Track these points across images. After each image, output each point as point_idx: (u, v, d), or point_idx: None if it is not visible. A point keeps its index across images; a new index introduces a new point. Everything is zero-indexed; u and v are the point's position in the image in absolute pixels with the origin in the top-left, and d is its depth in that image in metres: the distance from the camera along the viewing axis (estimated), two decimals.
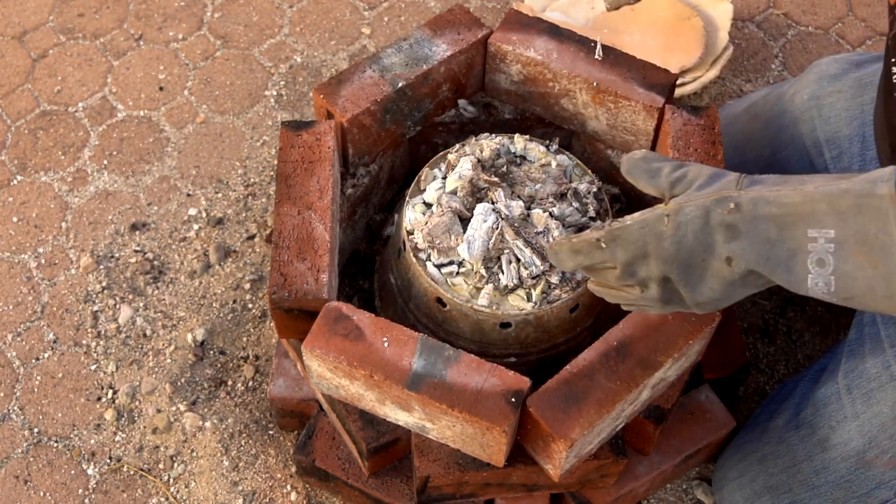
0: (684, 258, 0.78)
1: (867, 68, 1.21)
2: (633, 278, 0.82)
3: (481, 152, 1.08)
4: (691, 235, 0.77)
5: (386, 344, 0.93)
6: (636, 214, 0.81)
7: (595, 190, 1.08)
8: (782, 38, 1.79)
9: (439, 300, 1.02)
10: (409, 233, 1.04)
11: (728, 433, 1.20)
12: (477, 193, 1.04)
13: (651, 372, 0.93)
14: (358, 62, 1.14)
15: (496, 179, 1.05)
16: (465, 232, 1.02)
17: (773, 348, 1.41)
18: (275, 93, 1.69)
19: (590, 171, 1.11)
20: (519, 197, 1.05)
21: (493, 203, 1.03)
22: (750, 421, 1.22)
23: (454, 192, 1.05)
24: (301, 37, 1.77)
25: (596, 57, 1.14)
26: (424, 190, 1.08)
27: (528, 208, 1.04)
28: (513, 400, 0.90)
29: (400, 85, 1.11)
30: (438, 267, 1.02)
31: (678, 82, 1.58)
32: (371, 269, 1.24)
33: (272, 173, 1.58)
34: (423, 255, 1.03)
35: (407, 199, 1.07)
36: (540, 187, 1.06)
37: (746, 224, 0.75)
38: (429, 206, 1.06)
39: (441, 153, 1.11)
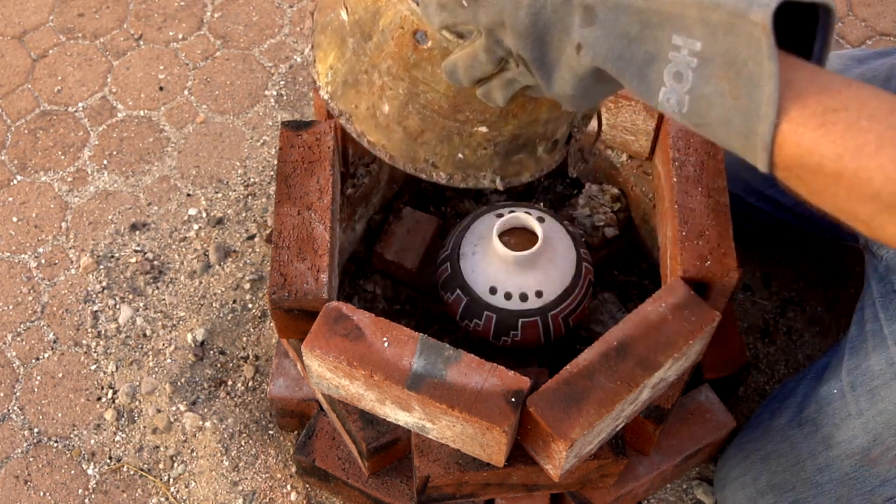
0: (539, 33, 0.69)
1: (870, 63, 1.21)
2: (502, 48, 0.73)
3: None
4: (550, 8, 0.67)
5: (386, 344, 0.93)
6: None
7: None
8: None
9: (418, 34, 0.83)
10: None
11: (728, 433, 1.20)
12: None
13: (651, 372, 0.93)
14: None
15: None
16: None
17: (773, 348, 1.41)
18: (275, 93, 1.69)
19: None
20: None
21: None
22: (752, 420, 1.22)
23: None
24: (301, 37, 1.77)
25: None
26: None
27: None
28: (513, 400, 0.90)
29: None
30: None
31: None
32: (371, 269, 1.24)
33: (272, 173, 1.58)
34: None
35: None
36: None
37: (606, 10, 0.65)
38: None
39: None
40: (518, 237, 1.09)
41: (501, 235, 1.09)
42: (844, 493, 1.06)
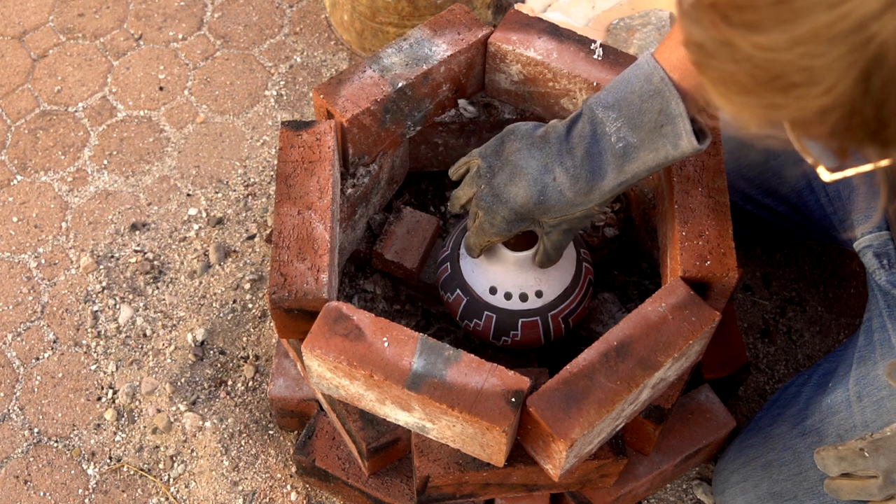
0: None
1: None
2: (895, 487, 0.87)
3: None
4: None
5: (386, 344, 0.93)
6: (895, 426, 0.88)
7: None
8: None
9: None
10: None
11: (728, 433, 1.20)
12: None
13: (651, 372, 0.93)
14: (358, 62, 1.14)
15: None
16: None
17: (773, 348, 1.41)
18: (275, 93, 1.69)
19: None
20: None
21: None
22: (751, 423, 1.21)
23: None
24: (301, 37, 1.77)
25: (596, 57, 1.14)
26: None
27: None
28: (513, 400, 0.90)
29: (400, 85, 1.11)
30: None
31: None
32: (371, 269, 1.24)
33: (272, 173, 1.58)
34: None
35: None
36: None
37: None
38: None
39: None
40: (518, 237, 1.09)
41: None
42: None
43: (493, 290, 1.10)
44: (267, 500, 1.28)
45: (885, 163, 0.61)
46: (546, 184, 0.95)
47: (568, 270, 1.11)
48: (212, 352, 1.40)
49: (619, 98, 0.91)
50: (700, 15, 0.55)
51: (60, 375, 1.38)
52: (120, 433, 1.33)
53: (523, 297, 1.09)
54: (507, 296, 1.10)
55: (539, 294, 1.10)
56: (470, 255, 1.08)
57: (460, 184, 1.05)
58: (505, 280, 1.10)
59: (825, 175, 0.65)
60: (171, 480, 1.30)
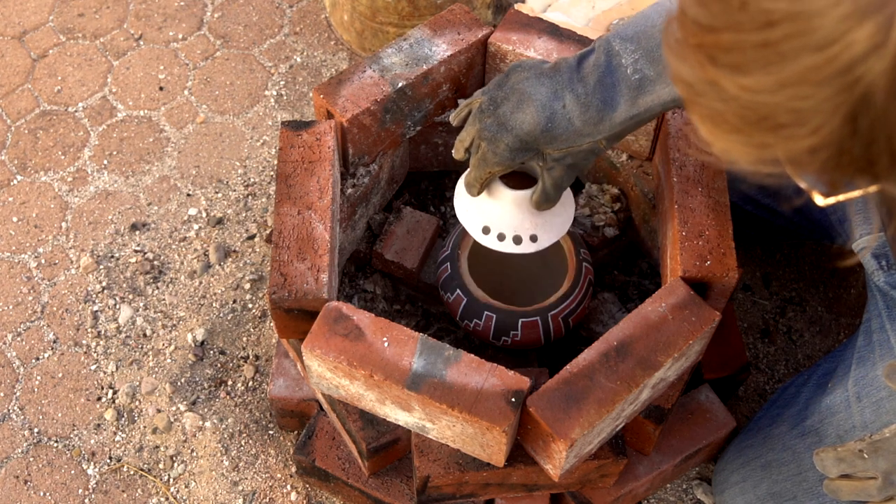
0: None
1: None
2: (894, 488, 0.88)
3: None
4: None
5: (386, 344, 0.93)
6: (894, 427, 0.89)
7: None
8: None
9: None
10: None
11: (728, 433, 1.20)
12: None
13: (651, 372, 0.93)
14: (358, 62, 1.14)
15: None
16: None
17: (773, 348, 1.41)
18: (275, 93, 1.69)
19: None
20: None
21: None
22: (750, 424, 1.22)
23: None
24: (301, 37, 1.77)
25: None
26: None
27: None
28: (513, 400, 0.90)
29: (400, 85, 1.11)
30: None
31: None
32: (371, 269, 1.24)
33: (272, 173, 1.58)
34: None
35: None
36: None
37: None
38: None
39: None
40: (516, 179, 1.04)
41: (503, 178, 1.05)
42: None
43: (486, 230, 1.05)
44: (267, 500, 1.28)
45: (874, 189, 0.61)
46: (555, 110, 0.93)
47: (565, 218, 1.07)
48: (212, 352, 1.40)
49: (638, 31, 0.90)
50: (686, 54, 0.55)
51: (60, 375, 1.38)
52: (120, 433, 1.33)
53: (517, 240, 1.04)
54: (501, 237, 1.05)
55: (534, 238, 1.05)
56: (469, 193, 1.04)
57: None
58: (500, 220, 1.04)
59: (819, 200, 0.65)
60: (171, 480, 1.30)
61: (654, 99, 0.90)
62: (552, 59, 1.14)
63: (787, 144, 0.54)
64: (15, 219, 1.54)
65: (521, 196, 1.02)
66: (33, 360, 1.40)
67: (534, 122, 0.93)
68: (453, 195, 1.14)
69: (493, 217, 1.04)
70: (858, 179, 0.56)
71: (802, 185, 0.63)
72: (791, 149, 0.54)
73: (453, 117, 1.02)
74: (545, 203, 1.01)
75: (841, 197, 0.63)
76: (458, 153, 1.02)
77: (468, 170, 1.02)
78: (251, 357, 1.39)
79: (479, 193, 1.03)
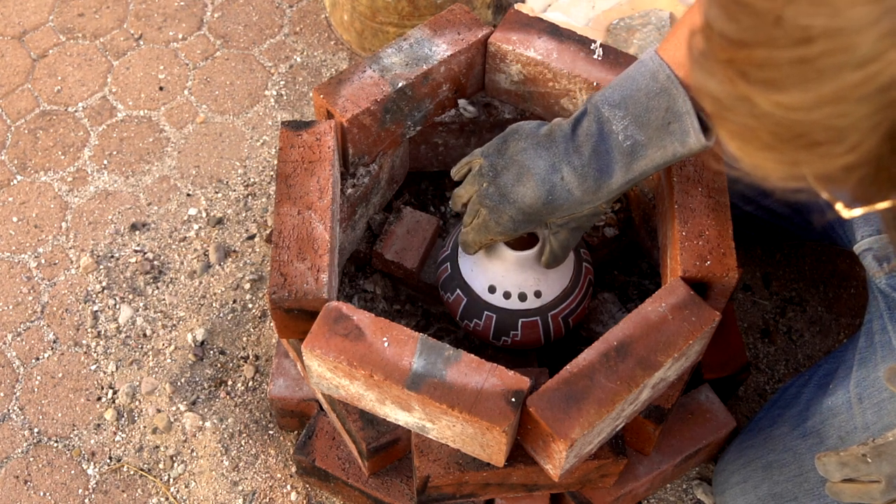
0: None
1: None
2: None
3: None
4: None
5: (386, 344, 0.93)
6: None
7: None
8: None
9: None
10: None
11: (728, 433, 1.20)
12: None
13: (651, 372, 0.93)
14: (358, 62, 1.14)
15: None
16: None
17: (773, 348, 1.41)
18: (275, 93, 1.69)
19: None
20: None
21: None
22: (751, 424, 1.21)
23: None
24: (301, 37, 1.77)
25: (596, 57, 1.14)
26: None
27: None
28: (513, 400, 0.90)
29: (400, 85, 1.11)
30: None
31: None
32: (371, 269, 1.24)
33: (272, 173, 1.58)
34: None
35: None
36: None
37: None
38: None
39: None
40: (518, 237, 1.09)
41: None
42: None
43: (492, 289, 1.10)
44: (267, 500, 1.28)
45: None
46: (554, 183, 0.95)
47: (566, 272, 1.11)
48: (212, 352, 1.40)
49: (625, 96, 0.91)
50: (714, 68, 0.53)
51: (60, 375, 1.38)
52: (120, 433, 1.33)
53: (522, 297, 1.09)
54: (507, 295, 1.10)
55: (538, 294, 1.10)
56: (466, 252, 1.08)
57: (461, 184, 1.05)
58: (504, 279, 1.10)
59: (844, 212, 0.63)
60: (171, 480, 1.30)
61: (648, 163, 0.92)
62: (552, 58, 1.14)
63: (823, 162, 0.52)
64: (15, 219, 1.54)
65: (524, 257, 1.08)
66: (33, 360, 1.40)
67: (535, 196, 0.97)
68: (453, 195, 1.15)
69: (498, 277, 1.10)
70: (893, 196, 0.55)
71: (826, 196, 0.62)
72: (826, 166, 0.53)
73: (454, 172, 1.06)
74: (554, 262, 1.05)
75: (867, 209, 0.61)
76: (455, 207, 1.06)
77: (465, 229, 1.06)
78: (251, 357, 1.39)
79: (475, 253, 1.08)
